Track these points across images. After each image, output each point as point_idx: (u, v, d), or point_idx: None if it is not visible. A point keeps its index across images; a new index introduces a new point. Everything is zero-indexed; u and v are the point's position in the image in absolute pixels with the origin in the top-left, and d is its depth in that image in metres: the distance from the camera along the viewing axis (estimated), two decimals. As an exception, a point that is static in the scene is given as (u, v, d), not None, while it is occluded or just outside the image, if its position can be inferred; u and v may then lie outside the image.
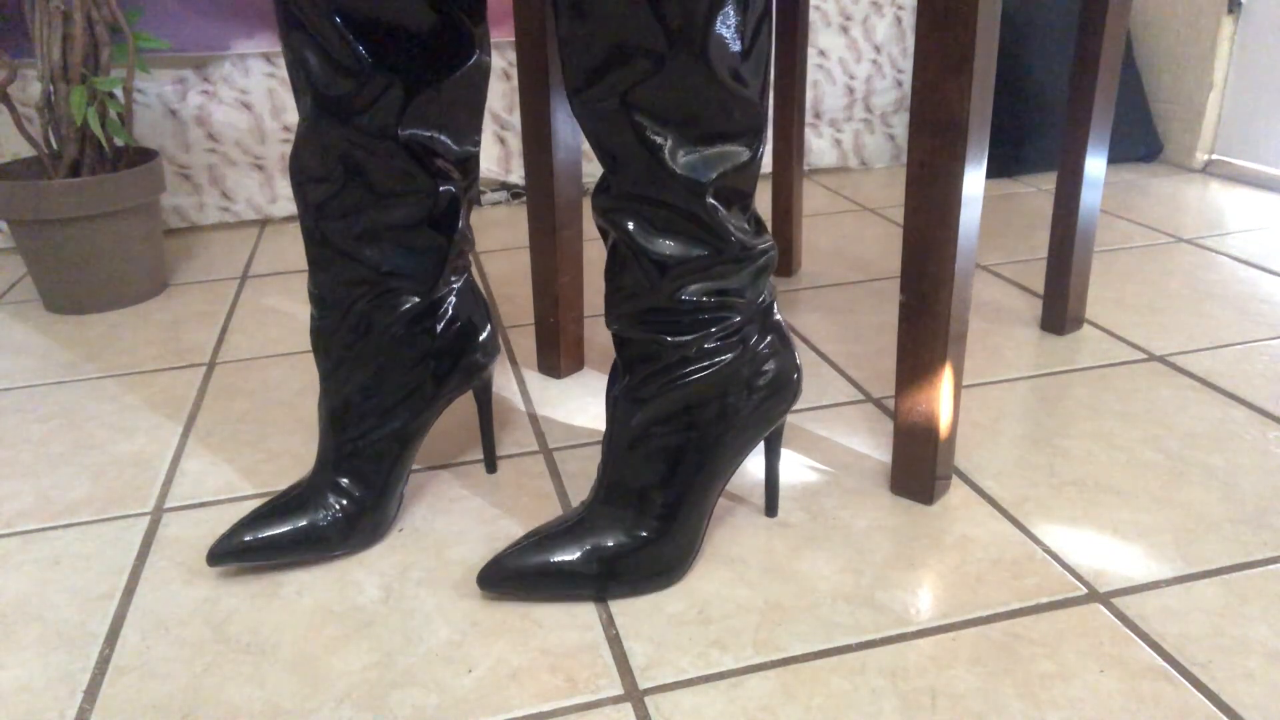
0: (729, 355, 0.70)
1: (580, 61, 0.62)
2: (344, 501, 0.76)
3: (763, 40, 0.63)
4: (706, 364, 0.70)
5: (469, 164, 0.77)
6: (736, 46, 0.61)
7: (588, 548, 0.71)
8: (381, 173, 0.71)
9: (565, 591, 0.71)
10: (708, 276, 0.68)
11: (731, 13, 0.60)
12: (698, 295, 0.68)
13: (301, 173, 0.72)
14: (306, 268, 0.71)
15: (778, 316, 0.74)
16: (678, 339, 0.69)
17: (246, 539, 0.74)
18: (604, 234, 0.70)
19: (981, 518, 0.80)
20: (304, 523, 0.75)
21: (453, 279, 0.79)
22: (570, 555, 0.71)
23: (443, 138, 0.73)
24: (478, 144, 0.76)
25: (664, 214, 0.66)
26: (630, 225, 0.67)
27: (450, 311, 0.79)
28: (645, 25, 0.59)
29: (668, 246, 0.66)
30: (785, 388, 0.74)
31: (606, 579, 0.71)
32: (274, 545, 0.74)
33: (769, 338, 0.73)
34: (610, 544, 0.71)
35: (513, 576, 0.71)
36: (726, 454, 0.72)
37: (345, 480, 0.77)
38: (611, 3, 0.59)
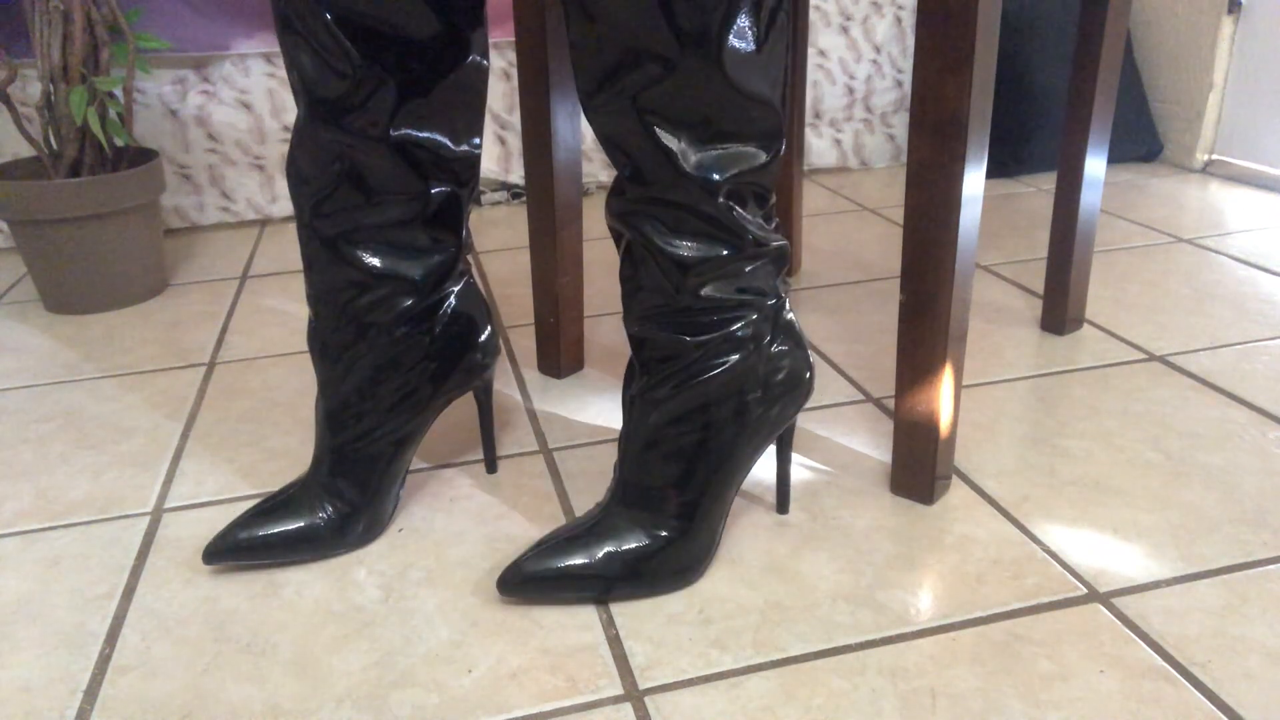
0: (745, 353, 0.70)
1: (591, 66, 0.62)
2: (338, 503, 0.76)
3: (775, 39, 0.61)
4: (723, 362, 0.69)
5: (469, 166, 0.76)
6: (750, 48, 0.60)
7: (609, 550, 0.71)
8: (374, 174, 0.71)
9: (587, 595, 0.71)
10: (727, 274, 0.67)
11: (744, 14, 0.58)
12: (719, 293, 0.68)
13: (297, 174, 0.72)
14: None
15: (790, 315, 0.74)
16: (698, 338, 0.69)
17: (241, 537, 0.74)
18: (616, 237, 0.70)
19: (981, 518, 0.80)
20: (299, 523, 0.75)
21: (451, 281, 0.78)
22: (591, 558, 0.70)
23: (439, 139, 0.73)
24: (478, 146, 0.76)
25: (680, 215, 0.65)
26: (647, 228, 0.66)
27: (449, 313, 0.79)
28: (655, 29, 0.58)
29: (687, 247, 0.66)
30: (799, 386, 0.74)
31: (627, 580, 0.71)
32: (269, 545, 0.75)
33: (781, 335, 0.73)
34: (632, 546, 0.71)
35: (533, 580, 0.70)
36: (743, 452, 0.72)
37: (340, 481, 0.77)
38: (621, 6, 0.58)
